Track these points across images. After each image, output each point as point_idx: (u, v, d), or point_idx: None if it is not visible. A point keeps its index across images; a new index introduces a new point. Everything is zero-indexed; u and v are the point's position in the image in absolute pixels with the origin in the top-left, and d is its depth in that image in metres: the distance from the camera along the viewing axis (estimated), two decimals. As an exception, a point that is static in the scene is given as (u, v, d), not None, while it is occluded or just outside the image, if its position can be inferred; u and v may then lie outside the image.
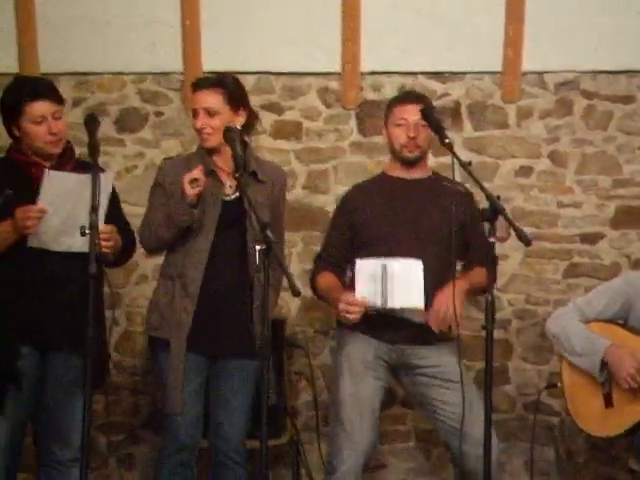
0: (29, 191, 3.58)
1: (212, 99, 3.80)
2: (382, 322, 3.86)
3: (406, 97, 4.10)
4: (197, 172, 3.70)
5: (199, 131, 3.82)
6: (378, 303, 3.81)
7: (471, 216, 3.91)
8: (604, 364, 3.98)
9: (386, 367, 3.97)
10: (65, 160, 3.72)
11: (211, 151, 3.85)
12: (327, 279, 4.03)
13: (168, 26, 4.92)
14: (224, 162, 3.81)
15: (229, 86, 3.84)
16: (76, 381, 3.60)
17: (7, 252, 3.59)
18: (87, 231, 3.34)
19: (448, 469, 4.84)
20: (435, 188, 3.98)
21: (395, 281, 3.79)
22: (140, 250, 4.63)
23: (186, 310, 3.77)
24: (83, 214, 3.41)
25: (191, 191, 3.68)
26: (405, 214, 3.96)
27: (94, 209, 3.35)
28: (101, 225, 3.50)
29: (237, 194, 3.83)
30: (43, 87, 3.72)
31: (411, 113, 3.93)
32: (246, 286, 3.78)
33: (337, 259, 4.07)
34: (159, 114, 5.00)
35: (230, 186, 3.84)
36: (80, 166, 3.71)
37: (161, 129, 5.00)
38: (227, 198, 3.84)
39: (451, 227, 3.83)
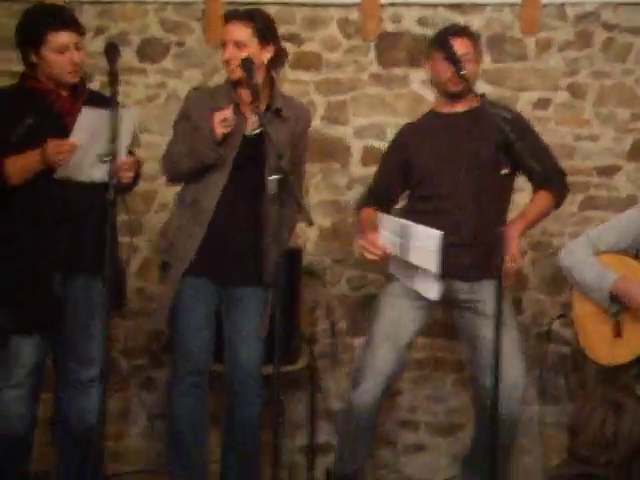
0: (50, 120, 3.66)
1: (241, 32, 3.85)
2: None
3: (456, 29, 4.09)
4: (228, 112, 3.76)
5: (227, 62, 3.87)
6: (398, 253, 3.89)
7: (522, 138, 3.80)
8: (614, 296, 4.04)
9: (426, 303, 4.02)
10: (80, 90, 3.79)
11: (237, 84, 3.89)
12: (367, 214, 4.13)
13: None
14: (249, 96, 3.85)
15: (259, 20, 3.89)
16: (95, 303, 3.73)
17: (30, 181, 3.67)
18: (105, 159, 3.44)
19: (461, 397, 4.97)
20: (482, 118, 3.96)
21: (412, 242, 3.85)
22: (161, 179, 4.75)
23: (193, 236, 3.85)
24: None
25: (220, 130, 3.73)
26: (456, 148, 4.02)
27: (113, 139, 3.43)
28: (124, 157, 3.61)
29: (259, 130, 3.88)
30: (68, 17, 3.78)
31: (460, 46, 3.93)
32: (259, 220, 3.84)
33: (385, 195, 4.16)
34: (181, 44, 5.03)
35: (253, 121, 3.89)
36: (93, 96, 3.79)
37: (183, 59, 5.02)
38: (248, 133, 3.90)
39: (500, 155, 3.80)
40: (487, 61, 4.93)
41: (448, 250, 3.82)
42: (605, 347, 4.13)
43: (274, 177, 3.50)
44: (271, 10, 4.83)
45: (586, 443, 2.60)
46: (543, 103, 4.96)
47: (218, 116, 3.74)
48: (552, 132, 4.94)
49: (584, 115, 4.96)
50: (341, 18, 5.01)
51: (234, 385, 3.98)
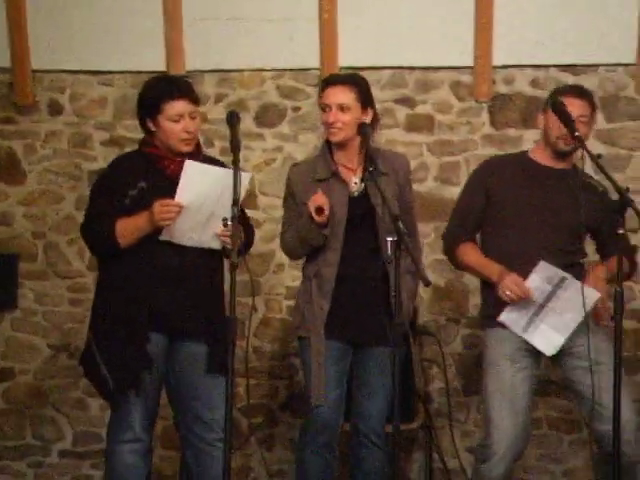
0: (162, 183, 3.79)
1: (345, 95, 3.93)
2: None
3: (575, 90, 4.11)
4: (319, 199, 3.83)
5: (330, 125, 3.94)
6: (540, 300, 3.92)
7: (606, 211, 3.89)
8: None
9: (530, 354, 4.00)
10: (194, 157, 3.89)
11: (335, 147, 3.99)
12: (474, 249, 4.11)
13: (306, 21, 5.09)
14: (348, 158, 3.96)
15: (361, 84, 3.98)
16: (201, 365, 3.85)
17: (130, 252, 3.79)
18: (229, 222, 3.54)
19: (578, 457, 4.93)
20: (576, 180, 3.98)
21: (561, 293, 3.89)
22: (277, 239, 4.88)
23: (322, 308, 3.93)
24: (218, 209, 3.65)
25: (319, 218, 3.84)
26: (542, 201, 4.02)
27: (235, 202, 3.53)
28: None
29: (362, 189, 3.97)
30: (184, 87, 3.92)
31: (576, 107, 3.96)
32: (380, 277, 3.92)
33: (472, 225, 4.14)
34: (296, 109, 5.19)
35: (355, 182, 3.98)
36: (207, 160, 3.91)
37: (298, 123, 5.18)
38: (353, 195, 3.98)
39: (583, 221, 3.94)
40: (600, 121, 4.96)
41: None
42: None
43: (390, 239, 3.57)
44: (385, 74, 5.04)
45: None
46: (658, 162, 4.96)
47: (311, 206, 3.84)
48: (667, 191, 4.93)
49: (702, 175, 4.93)
50: (453, 81, 5.11)
51: (359, 437, 4.03)
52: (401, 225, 3.53)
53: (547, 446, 5.02)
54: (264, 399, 5.17)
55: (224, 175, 3.68)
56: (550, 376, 4.55)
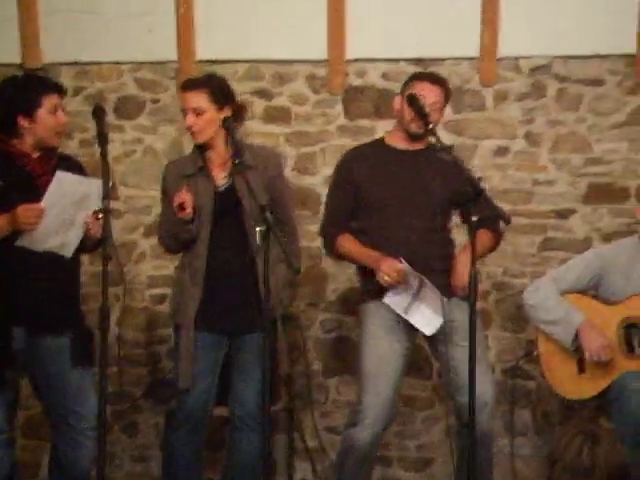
0: (21, 181, 3.82)
1: (198, 99, 4.07)
2: None
3: (430, 77, 4.29)
4: (181, 196, 3.99)
5: (189, 129, 4.10)
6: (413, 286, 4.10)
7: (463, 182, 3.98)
8: (576, 335, 4.30)
9: (406, 327, 4.18)
10: (50, 153, 3.94)
11: (204, 147, 4.13)
12: (351, 240, 4.24)
13: (163, 15, 5.16)
14: (217, 155, 4.13)
15: (214, 85, 4.11)
16: (64, 358, 3.90)
17: None
18: (100, 216, 3.63)
19: (431, 432, 5.19)
20: (431, 159, 4.18)
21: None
22: (139, 230, 5.00)
23: (193, 297, 4.09)
24: (75, 214, 3.78)
25: (181, 214, 3.98)
26: (403, 183, 4.20)
27: (106, 196, 3.61)
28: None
29: (228, 183, 4.12)
30: (53, 81, 4.00)
31: (432, 93, 4.16)
32: (249, 266, 4.07)
33: (345, 219, 4.28)
34: (155, 101, 5.27)
35: (224, 177, 4.12)
36: (62, 158, 3.97)
37: (158, 116, 5.26)
38: (219, 189, 4.12)
39: (445, 196, 4.16)
40: (448, 112, 5.18)
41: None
42: (571, 383, 4.38)
43: (259, 229, 3.71)
44: (242, 67, 5.16)
45: (565, 471, 2.82)
46: (502, 151, 5.24)
47: (175, 202, 3.99)
48: (511, 178, 5.23)
49: (540, 161, 5.23)
50: (308, 74, 5.26)
51: (235, 422, 4.20)
52: (269, 215, 3.68)
53: (402, 423, 5.25)
54: (128, 386, 5.23)
55: (90, 183, 3.78)
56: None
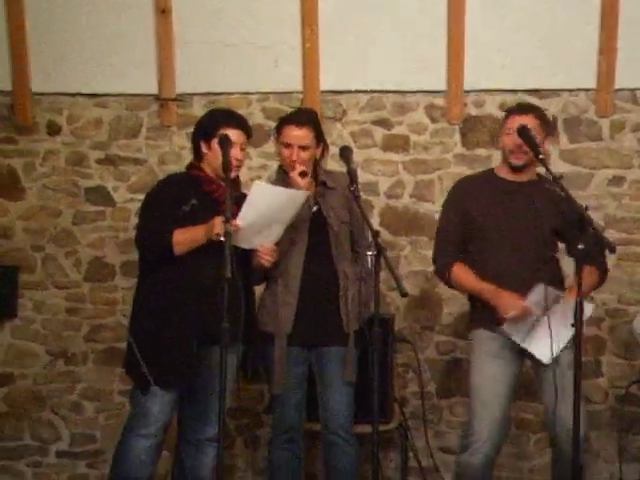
0: (210, 204, 4.14)
1: (307, 137, 4.37)
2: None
3: (518, 108, 4.42)
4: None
5: (293, 162, 4.35)
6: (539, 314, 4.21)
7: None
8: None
9: (514, 352, 4.28)
10: (234, 186, 4.19)
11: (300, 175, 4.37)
12: (465, 271, 4.34)
13: (289, 48, 5.42)
14: (308, 182, 4.38)
15: (317, 124, 4.43)
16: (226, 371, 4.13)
17: (174, 262, 4.10)
18: (222, 239, 3.83)
19: (543, 454, 5.27)
20: (540, 189, 4.28)
21: (556, 308, 4.18)
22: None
23: (289, 303, 4.32)
24: (275, 222, 4.12)
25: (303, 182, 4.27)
26: (514, 213, 4.32)
27: (227, 220, 3.85)
28: (273, 241, 4.15)
29: (317, 206, 4.41)
30: (241, 119, 4.33)
31: (515, 121, 4.28)
32: (333, 280, 4.35)
33: (456, 248, 4.39)
34: (281, 130, 5.52)
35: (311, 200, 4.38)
36: (240, 197, 4.18)
37: (281, 143, 5.51)
38: (313, 209, 4.39)
39: (553, 226, 4.27)
40: (564, 141, 5.31)
41: None
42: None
43: (370, 253, 3.91)
44: (363, 97, 5.38)
45: None
46: (618, 180, 5.31)
47: (295, 173, 4.28)
48: (627, 207, 5.30)
49: (657, 191, 5.30)
50: (427, 104, 5.45)
51: (327, 435, 4.39)
52: (380, 240, 3.89)
53: (516, 445, 5.35)
54: (250, 402, 5.46)
55: (293, 196, 4.16)
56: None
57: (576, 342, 3.87)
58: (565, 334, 4.13)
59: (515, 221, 4.32)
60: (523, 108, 4.42)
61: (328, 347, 4.36)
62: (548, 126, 4.43)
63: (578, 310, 3.86)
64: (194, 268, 4.10)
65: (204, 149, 4.24)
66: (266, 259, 4.17)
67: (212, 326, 3.86)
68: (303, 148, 4.35)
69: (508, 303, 4.17)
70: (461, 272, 4.35)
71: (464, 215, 4.38)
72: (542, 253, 4.30)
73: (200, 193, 4.18)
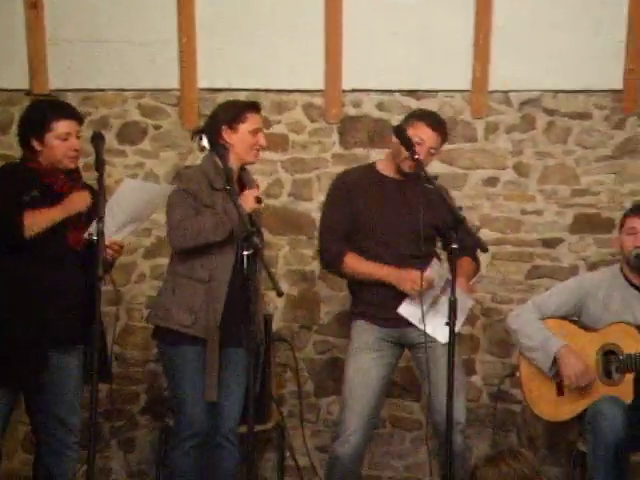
0: (50, 195, 4.01)
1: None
2: (383, 311, 4.37)
3: (432, 121, 4.38)
4: (254, 192, 4.18)
5: (261, 147, 4.29)
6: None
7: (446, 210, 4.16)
8: (555, 360, 4.45)
9: (392, 345, 4.41)
10: (75, 176, 4.13)
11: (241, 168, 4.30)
12: (357, 258, 4.39)
13: (165, 44, 5.35)
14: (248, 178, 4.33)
15: None
16: (75, 372, 4.08)
17: (12, 264, 3.98)
18: (94, 238, 3.74)
19: (419, 452, 5.32)
20: (418, 188, 4.28)
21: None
22: (139, 251, 5.16)
23: (217, 311, 4.16)
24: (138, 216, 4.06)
25: (256, 206, 4.14)
26: (393, 209, 4.40)
27: (100, 219, 3.74)
28: (117, 236, 4.02)
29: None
30: (71, 109, 4.17)
31: (431, 139, 4.33)
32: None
33: (345, 236, 4.42)
34: (157, 127, 5.45)
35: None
36: (83, 187, 4.13)
37: (159, 141, 5.44)
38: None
39: (429, 224, 4.35)
40: (439, 142, 5.37)
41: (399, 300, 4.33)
42: (549, 405, 4.53)
43: (246, 253, 3.87)
44: (241, 96, 5.31)
45: None
46: (492, 181, 5.40)
47: (252, 193, 4.15)
48: (500, 207, 5.39)
49: (529, 192, 5.39)
50: (306, 103, 5.44)
51: (217, 438, 4.27)
52: (256, 239, 3.86)
53: (391, 443, 5.41)
54: (125, 403, 5.39)
55: (159, 190, 4.13)
56: (393, 378, 4.89)
57: (450, 340, 3.93)
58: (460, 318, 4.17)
59: (394, 217, 4.40)
60: (437, 124, 4.39)
61: (235, 350, 4.21)
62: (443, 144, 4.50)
63: (452, 307, 3.92)
64: (40, 267, 3.98)
65: (37, 146, 4.06)
66: (110, 254, 4.02)
67: (58, 327, 3.89)
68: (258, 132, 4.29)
69: (409, 278, 4.26)
70: (354, 259, 4.40)
71: (349, 206, 4.43)
72: (419, 250, 4.34)
73: (40, 185, 4.03)
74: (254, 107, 4.30)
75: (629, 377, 4.36)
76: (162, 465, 4.49)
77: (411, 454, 5.42)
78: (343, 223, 4.44)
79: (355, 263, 4.41)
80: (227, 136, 4.20)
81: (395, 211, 4.42)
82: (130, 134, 5.44)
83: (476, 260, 4.57)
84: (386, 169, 4.49)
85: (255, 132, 4.24)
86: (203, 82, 5.38)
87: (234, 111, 4.24)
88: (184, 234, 4.15)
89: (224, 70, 5.38)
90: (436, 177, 4.30)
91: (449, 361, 3.91)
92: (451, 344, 3.93)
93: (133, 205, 4.03)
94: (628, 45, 5.21)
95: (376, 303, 4.40)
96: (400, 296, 4.34)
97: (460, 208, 4.08)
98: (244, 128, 4.21)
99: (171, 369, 4.26)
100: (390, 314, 4.36)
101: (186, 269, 4.22)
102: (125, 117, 5.44)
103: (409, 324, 4.36)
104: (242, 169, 4.32)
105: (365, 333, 4.41)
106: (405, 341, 4.45)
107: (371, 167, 4.59)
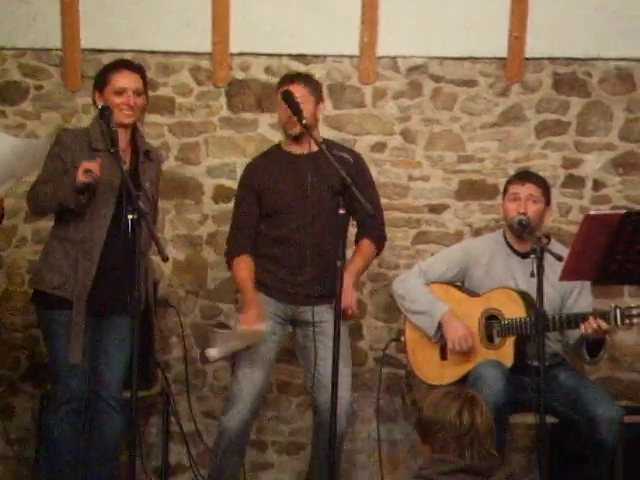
0: None
1: (138, 81, 4.24)
2: (279, 286, 4.44)
3: (293, 77, 4.50)
4: (95, 164, 4.02)
5: (130, 107, 4.20)
6: None
7: (355, 182, 4.12)
8: (439, 325, 4.51)
9: (282, 322, 4.48)
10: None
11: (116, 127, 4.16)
12: (241, 268, 4.46)
13: (49, 3, 5.20)
14: (122, 139, 4.20)
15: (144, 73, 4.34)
16: None
17: None
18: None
19: (304, 417, 5.34)
20: (321, 160, 4.34)
21: None
22: (20, 214, 5.03)
23: (88, 272, 4.11)
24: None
25: (82, 178, 3.99)
26: (302, 189, 4.41)
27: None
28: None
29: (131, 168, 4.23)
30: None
31: (296, 91, 4.34)
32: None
33: (248, 234, 4.48)
34: (39, 88, 5.30)
35: (124, 161, 4.16)
36: None
37: (41, 102, 5.30)
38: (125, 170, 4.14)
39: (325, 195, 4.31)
40: (329, 107, 5.35)
41: (297, 279, 4.39)
42: (433, 369, 4.59)
43: (131, 217, 3.81)
44: (126, 57, 5.19)
45: (444, 432, 3.04)
46: (379, 146, 5.41)
47: (84, 166, 4.01)
48: (388, 173, 5.40)
49: (416, 158, 5.43)
50: (193, 66, 5.36)
51: (98, 404, 4.24)
52: (141, 204, 3.80)
53: (277, 408, 5.41)
54: (5, 370, 5.28)
55: (27, 145, 4.10)
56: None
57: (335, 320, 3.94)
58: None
59: (302, 192, 4.40)
60: (291, 77, 4.49)
61: (114, 317, 4.20)
62: (318, 93, 4.50)
63: (339, 283, 3.94)
64: None
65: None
66: None
67: None
68: (137, 93, 4.24)
69: (249, 318, 4.32)
70: (238, 268, 4.46)
71: (255, 197, 4.46)
72: (330, 222, 4.32)
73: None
74: (119, 66, 4.26)
75: (510, 341, 4.43)
76: (42, 432, 4.41)
77: (296, 419, 5.43)
78: (248, 217, 4.49)
79: (238, 270, 4.47)
80: (97, 99, 4.22)
81: (301, 185, 4.42)
82: (10, 94, 5.28)
83: (375, 237, 4.57)
84: (287, 145, 4.52)
85: (120, 92, 4.19)
86: (87, 42, 5.25)
87: (100, 74, 4.28)
88: (34, 198, 4.17)
89: (108, 30, 5.26)
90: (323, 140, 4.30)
91: (334, 358, 3.90)
92: (337, 325, 3.91)
93: (4, 160, 3.91)
94: (512, 13, 5.26)
95: (273, 275, 4.44)
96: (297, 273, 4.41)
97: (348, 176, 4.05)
98: (108, 90, 4.20)
99: (46, 333, 4.25)
100: (287, 288, 4.42)
101: (61, 231, 4.20)
102: (5, 76, 5.28)
103: (300, 302, 4.43)
104: (134, 130, 4.29)
105: (260, 304, 4.41)
106: (297, 317, 4.48)
107: (276, 147, 4.61)
